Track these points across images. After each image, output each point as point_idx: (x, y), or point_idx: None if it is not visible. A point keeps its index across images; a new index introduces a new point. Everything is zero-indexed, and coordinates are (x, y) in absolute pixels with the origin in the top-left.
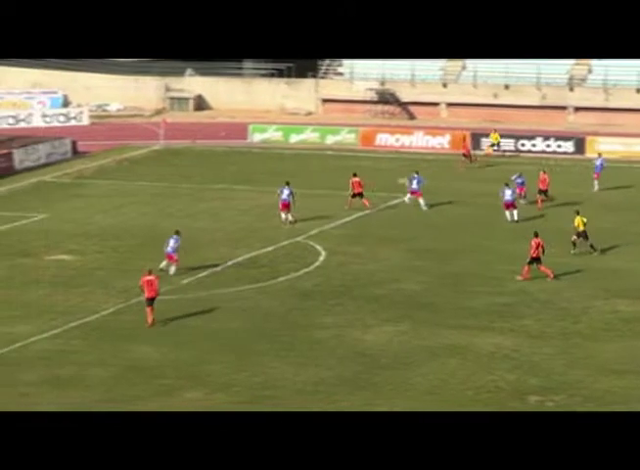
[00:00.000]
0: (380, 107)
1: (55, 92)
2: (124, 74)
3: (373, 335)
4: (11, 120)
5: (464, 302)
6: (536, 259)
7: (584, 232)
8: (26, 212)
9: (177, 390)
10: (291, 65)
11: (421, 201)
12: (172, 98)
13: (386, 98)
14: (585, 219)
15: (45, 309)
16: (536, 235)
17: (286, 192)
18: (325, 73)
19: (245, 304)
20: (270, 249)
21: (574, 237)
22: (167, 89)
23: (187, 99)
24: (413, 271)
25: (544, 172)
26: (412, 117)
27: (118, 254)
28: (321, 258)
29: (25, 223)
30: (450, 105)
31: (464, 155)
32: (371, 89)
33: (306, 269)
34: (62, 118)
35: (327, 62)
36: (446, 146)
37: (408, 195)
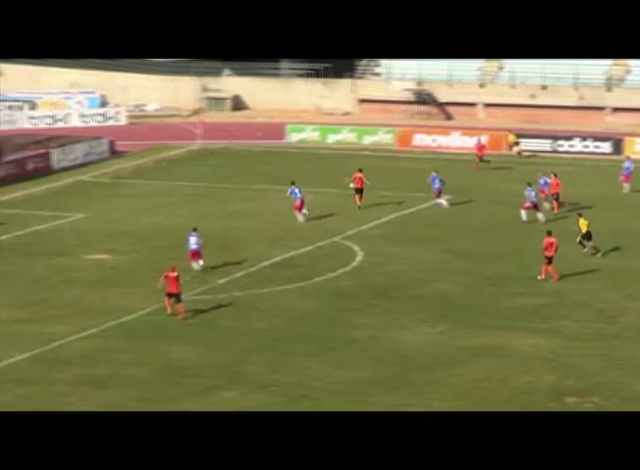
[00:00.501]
0: (417, 107)
1: (93, 92)
2: (162, 74)
3: (410, 335)
4: (49, 120)
5: (501, 302)
6: (549, 259)
7: (588, 233)
8: (64, 212)
9: (213, 390)
10: (328, 65)
11: (440, 199)
12: (210, 98)
13: (423, 98)
14: (587, 221)
15: (82, 309)
16: (549, 234)
17: (297, 191)
18: (362, 74)
19: (281, 304)
20: (307, 249)
21: (579, 239)
22: (205, 89)
23: (224, 99)
24: (450, 272)
25: (555, 176)
26: (449, 117)
27: (155, 253)
28: (358, 259)
29: (63, 223)
30: (487, 105)
31: (479, 157)
32: (408, 89)
33: (343, 269)
34: (99, 118)
35: (364, 62)
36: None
37: (443, 199)
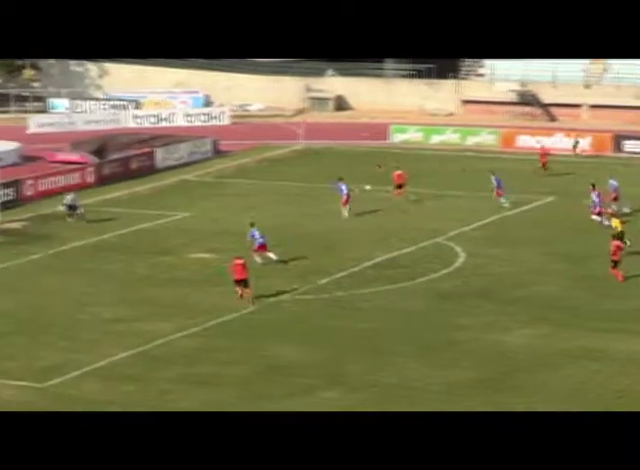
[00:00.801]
0: (520, 108)
1: (197, 92)
2: (265, 75)
3: (512, 337)
4: (153, 120)
5: (603, 305)
6: (615, 262)
7: (622, 233)
8: (168, 211)
9: (314, 389)
10: (431, 66)
11: (501, 199)
12: (313, 98)
13: (527, 99)
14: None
15: (185, 307)
16: (616, 237)
17: (344, 187)
18: (466, 75)
19: (383, 304)
20: (410, 249)
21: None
22: (308, 89)
23: (327, 99)
24: (551, 274)
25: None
26: (553, 118)
27: None
28: (460, 260)
29: (167, 222)
30: (592, 107)
31: (542, 164)
32: (512, 90)
33: (445, 271)
34: (203, 118)
35: (467, 63)
36: (587, 148)
37: (506, 201)
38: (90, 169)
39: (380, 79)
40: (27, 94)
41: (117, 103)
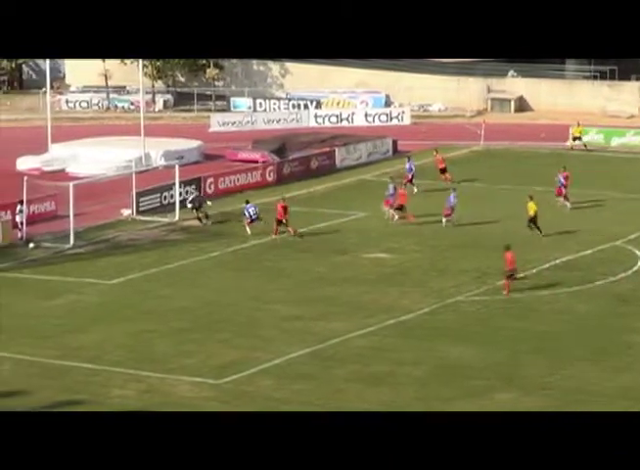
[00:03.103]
0: None
1: (378, 92)
2: (447, 75)
3: None
4: (334, 119)
5: None
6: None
7: (534, 218)
8: (346, 210)
9: (488, 391)
10: (614, 67)
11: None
12: (494, 99)
13: None
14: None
15: (361, 306)
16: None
17: (391, 187)
18: None
19: (560, 307)
20: (587, 252)
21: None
22: (489, 90)
23: (508, 100)
24: None
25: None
26: None
27: (436, 253)
28: (639, 263)
29: (344, 221)
30: None
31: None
32: None
33: (624, 274)
34: (383, 118)
35: None
36: None
37: (566, 201)
38: (270, 168)
39: (561, 81)
40: (210, 93)
41: (298, 102)
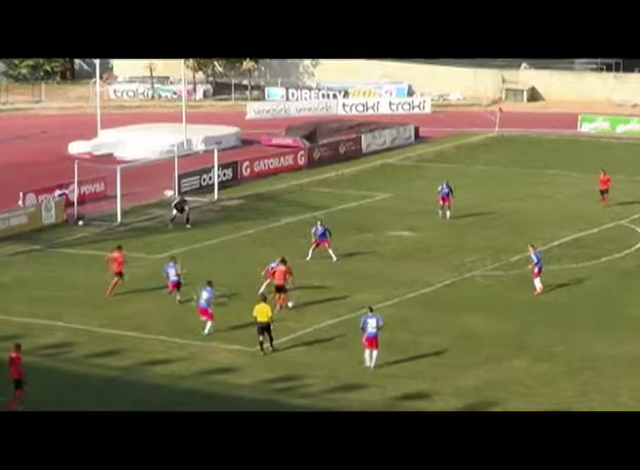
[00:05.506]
0: None
1: (401, 82)
2: (464, 67)
3: None
4: (360, 108)
5: None
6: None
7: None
8: (372, 191)
9: (503, 359)
10: (619, 60)
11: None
12: (508, 89)
13: None
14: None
15: (386, 280)
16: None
17: (445, 188)
18: None
19: (568, 280)
20: (594, 230)
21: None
22: (503, 81)
23: (521, 90)
24: None
25: (604, 173)
26: None
27: (455, 231)
28: None
29: (370, 201)
30: None
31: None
32: None
33: (628, 251)
34: (406, 107)
35: None
36: None
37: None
38: (302, 153)
39: (570, 72)
40: (246, 83)
41: (328, 92)
